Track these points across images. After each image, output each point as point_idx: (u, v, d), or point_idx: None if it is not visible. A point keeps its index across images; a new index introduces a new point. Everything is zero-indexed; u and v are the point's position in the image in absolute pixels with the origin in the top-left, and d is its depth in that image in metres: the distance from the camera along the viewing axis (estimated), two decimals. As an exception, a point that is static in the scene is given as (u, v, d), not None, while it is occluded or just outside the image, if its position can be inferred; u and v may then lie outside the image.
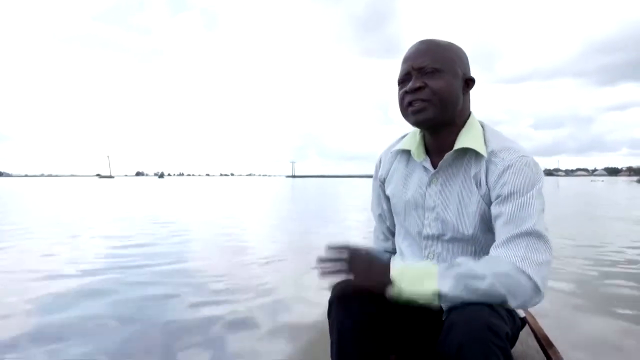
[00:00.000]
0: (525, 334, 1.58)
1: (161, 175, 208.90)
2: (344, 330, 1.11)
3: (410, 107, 1.18)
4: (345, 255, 1.09)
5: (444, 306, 1.04)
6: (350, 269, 1.08)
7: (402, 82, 1.21)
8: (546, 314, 3.16)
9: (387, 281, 1.04)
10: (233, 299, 4.15)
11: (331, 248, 1.11)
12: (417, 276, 1.03)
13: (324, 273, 1.10)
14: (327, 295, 1.17)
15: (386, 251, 1.48)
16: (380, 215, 1.48)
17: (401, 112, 1.24)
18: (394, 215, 1.40)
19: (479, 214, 1.17)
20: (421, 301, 1.01)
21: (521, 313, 1.23)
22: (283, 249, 7.24)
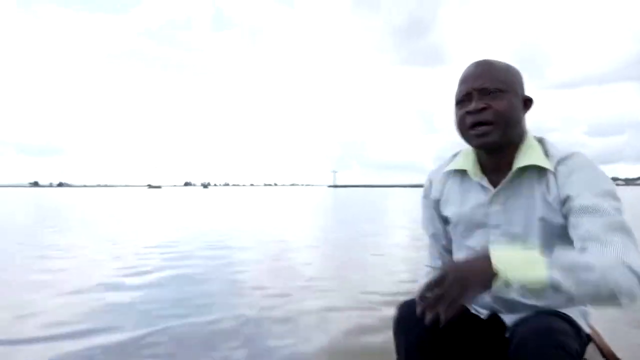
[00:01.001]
0: (591, 350, 1.52)
1: (206, 186, 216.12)
2: (410, 349, 1.11)
3: (473, 129, 1.19)
4: (437, 279, 1.00)
5: (508, 321, 1.00)
6: (449, 284, 0.97)
7: (461, 102, 1.21)
8: (611, 330, 2.95)
9: (490, 273, 0.94)
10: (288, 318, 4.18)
11: (424, 292, 1.01)
12: (525, 262, 0.94)
13: (430, 307, 0.99)
14: (386, 311, 1.21)
15: None
16: (434, 234, 1.47)
17: (461, 133, 1.24)
18: (453, 234, 1.38)
19: (546, 224, 1.15)
20: (531, 291, 0.93)
21: (587, 329, 1.20)
22: (337, 264, 7.13)
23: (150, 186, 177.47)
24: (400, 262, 6.98)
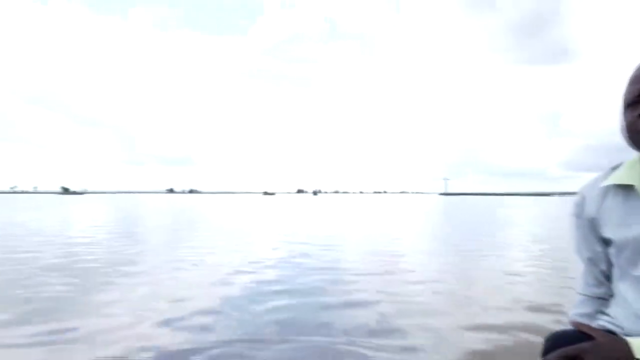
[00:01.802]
0: None
1: (316, 193, 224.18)
2: None
3: None
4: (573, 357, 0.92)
5: None
6: None
7: (634, 104, 1.07)
8: None
9: None
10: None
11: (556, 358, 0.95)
12: None
13: None
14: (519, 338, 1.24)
15: (599, 298, 1.27)
16: (590, 258, 1.28)
17: (631, 139, 1.10)
18: (616, 259, 1.19)
19: None
20: None
21: None
22: (455, 280, 7.03)
23: (265, 193, 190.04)
24: (536, 282, 6.51)
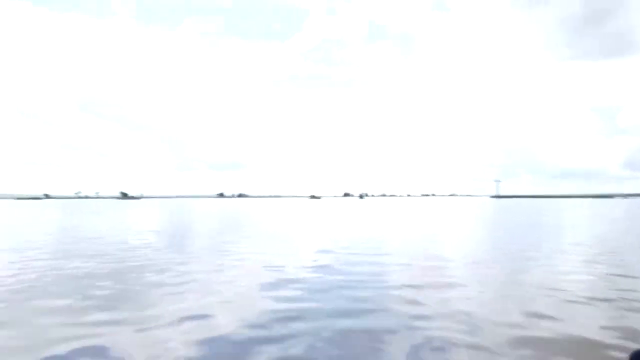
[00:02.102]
0: None
1: (362, 196, 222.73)
2: None
3: None
4: None
5: None
6: None
7: None
8: None
9: None
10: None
11: None
12: None
13: None
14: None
15: None
16: None
17: None
18: None
19: None
20: None
21: None
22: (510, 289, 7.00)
23: (312, 197, 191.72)
24: (605, 303, 5.85)
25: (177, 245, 12.71)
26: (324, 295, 6.19)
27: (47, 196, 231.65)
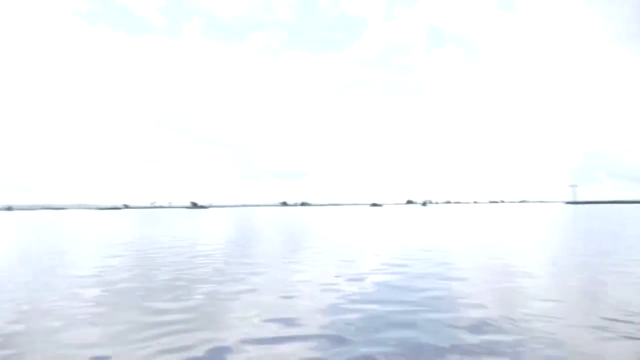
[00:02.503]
0: None
1: (424, 203, 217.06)
2: None
3: None
4: None
5: None
6: None
7: None
8: None
9: None
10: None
11: None
12: None
13: None
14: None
15: None
16: None
17: None
18: None
19: None
20: None
21: None
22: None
23: (373, 204, 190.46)
24: None
25: (249, 253, 13.34)
26: (414, 307, 6.26)
27: (126, 206, 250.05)
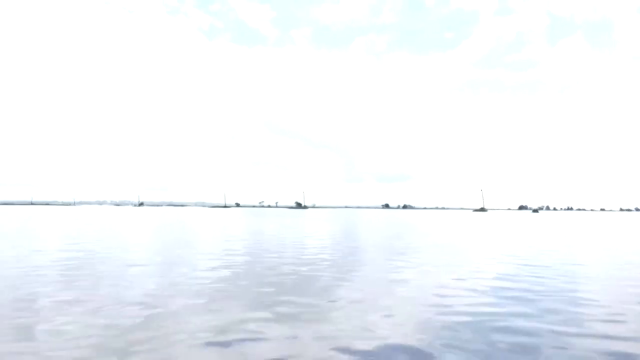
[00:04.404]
0: None
1: (536, 210, 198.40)
2: None
3: None
4: None
5: None
6: None
7: None
8: None
9: None
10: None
11: None
12: None
13: None
14: None
15: None
16: None
17: None
18: None
19: None
20: None
21: None
22: None
23: (480, 209, 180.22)
24: None
25: (357, 255, 14.08)
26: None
27: (237, 205, 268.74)
